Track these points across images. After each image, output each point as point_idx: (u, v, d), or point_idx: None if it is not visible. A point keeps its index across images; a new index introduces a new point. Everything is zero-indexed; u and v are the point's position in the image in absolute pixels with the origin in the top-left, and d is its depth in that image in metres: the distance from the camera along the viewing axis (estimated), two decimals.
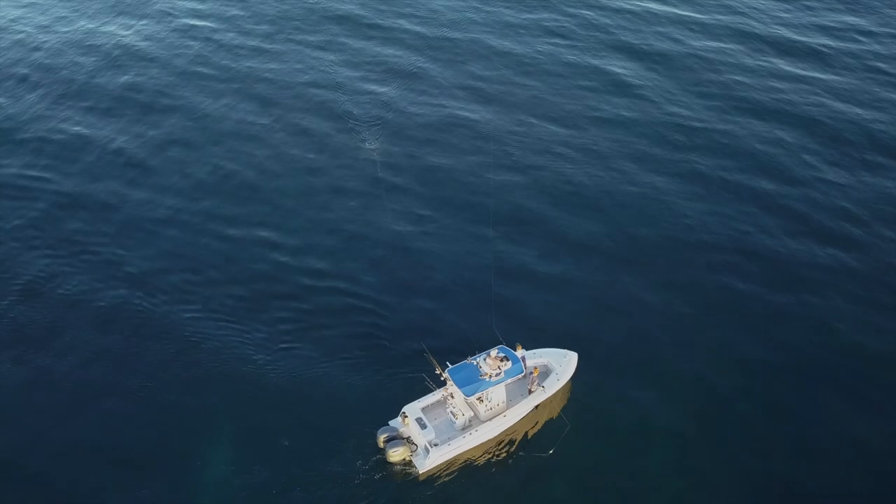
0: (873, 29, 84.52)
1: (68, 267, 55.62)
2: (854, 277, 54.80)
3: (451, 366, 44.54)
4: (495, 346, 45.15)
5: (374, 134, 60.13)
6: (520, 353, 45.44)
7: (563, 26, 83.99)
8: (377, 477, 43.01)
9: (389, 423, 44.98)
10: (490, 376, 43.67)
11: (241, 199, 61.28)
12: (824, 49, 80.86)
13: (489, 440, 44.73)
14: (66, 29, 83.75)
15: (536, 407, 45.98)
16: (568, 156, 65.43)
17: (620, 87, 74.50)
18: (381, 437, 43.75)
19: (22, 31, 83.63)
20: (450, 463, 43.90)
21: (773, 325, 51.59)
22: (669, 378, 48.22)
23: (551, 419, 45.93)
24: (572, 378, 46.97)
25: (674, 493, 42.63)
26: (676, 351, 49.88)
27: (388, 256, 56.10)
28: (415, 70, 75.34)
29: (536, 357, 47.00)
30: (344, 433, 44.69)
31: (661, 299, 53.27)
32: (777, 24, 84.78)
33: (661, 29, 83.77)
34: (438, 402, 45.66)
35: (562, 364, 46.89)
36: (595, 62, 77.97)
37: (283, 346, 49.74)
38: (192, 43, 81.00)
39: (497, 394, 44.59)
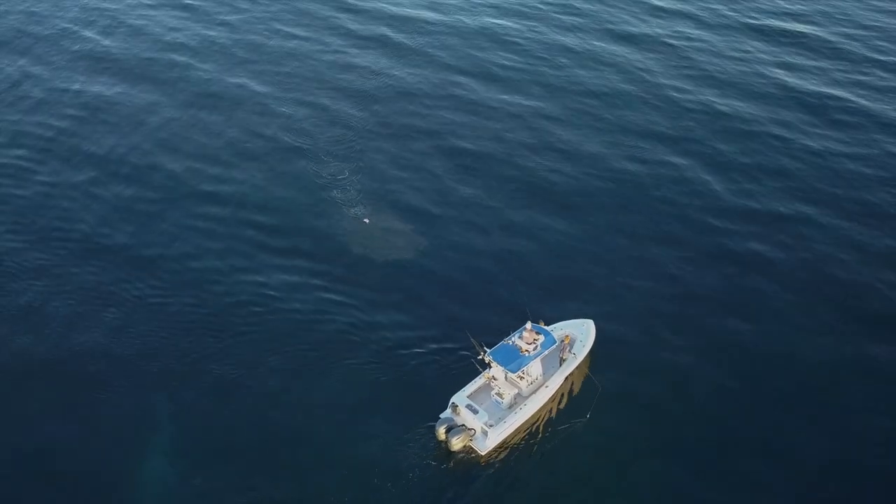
0: None
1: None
2: None
3: (488, 350, 47.18)
4: (526, 322, 48.29)
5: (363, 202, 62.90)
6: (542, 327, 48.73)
7: None
8: (444, 467, 45.21)
9: (441, 415, 47.03)
10: (529, 351, 46.68)
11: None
12: None
13: (536, 412, 47.64)
14: None
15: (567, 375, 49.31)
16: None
17: None
18: (441, 430, 45.79)
19: None
20: (505, 440, 46.54)
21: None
22: (684, 329, 53.00)
23: (580, 385, 49.34)
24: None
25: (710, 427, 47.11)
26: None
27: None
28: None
29: (557, 330, 50.24)
30: (402, 433, 46.60)
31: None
32: None
33: None
34: (481, 387, 48.17)
35: (582, 332, 50.47)
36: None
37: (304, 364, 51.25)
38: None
39: (535, 368, 47.60)
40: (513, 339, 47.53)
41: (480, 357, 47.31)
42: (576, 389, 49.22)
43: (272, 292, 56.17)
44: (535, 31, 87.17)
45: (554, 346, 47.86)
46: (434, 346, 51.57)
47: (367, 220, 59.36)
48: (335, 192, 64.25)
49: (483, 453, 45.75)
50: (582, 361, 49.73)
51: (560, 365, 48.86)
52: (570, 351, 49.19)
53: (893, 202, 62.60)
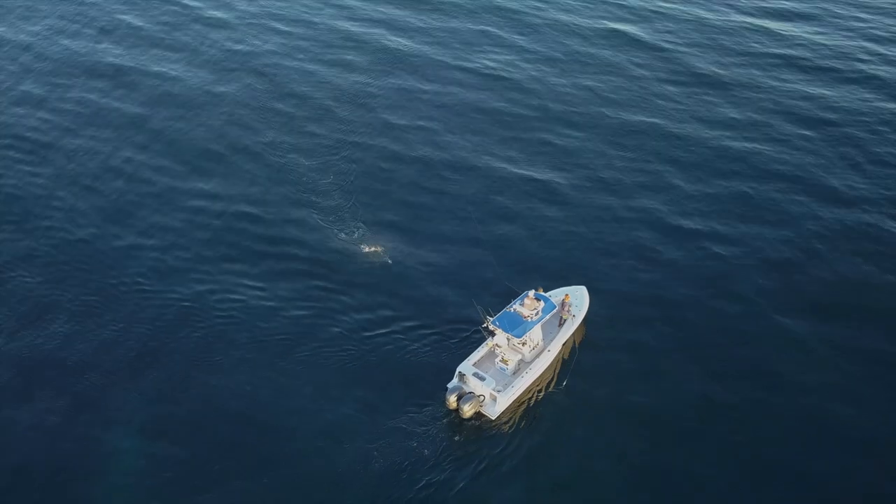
0: None
1: None
2: None
3: (491, 318, 48.69)
4: (526, 292, 50.06)
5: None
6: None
7: None
8: (458, 434, 46.69)
9: (448, 385, 48.33)
10: (531, 317, 48.36)
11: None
12: None
13: (540, 375, 49.45)
14: None
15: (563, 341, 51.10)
16: None
17: None
18: (452, 398, 47.17)
19: None
20: (512, 404, 48.24)
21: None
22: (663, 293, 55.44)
23: (571, 349, 51.40)
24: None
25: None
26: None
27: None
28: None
29: (555, 296, 51.93)
30: (411, 406, 47.87)
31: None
32: None
33: None
34: (485, 355, 49.70)
35: (577, 297, 52.31)
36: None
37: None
38: None
39: (536, 333, 49.31)
40: (514, 306, 49.14)
41: (485, 325, 48.83)
42: (568, 353, 51.20)
43: (249, 281, 56.44)
44: (537, 15, 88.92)
45: (554, 310, 49.60)
46: (429, 324, 52.89)
47: (369, 249, 59.08)
48: (315, 196, 64.25)
49: (493, 418, 47.33)
50: (578, 326, 51.65)
51: (559, 329, 50.68)
52: (569, 311, 50.96)
53: None
